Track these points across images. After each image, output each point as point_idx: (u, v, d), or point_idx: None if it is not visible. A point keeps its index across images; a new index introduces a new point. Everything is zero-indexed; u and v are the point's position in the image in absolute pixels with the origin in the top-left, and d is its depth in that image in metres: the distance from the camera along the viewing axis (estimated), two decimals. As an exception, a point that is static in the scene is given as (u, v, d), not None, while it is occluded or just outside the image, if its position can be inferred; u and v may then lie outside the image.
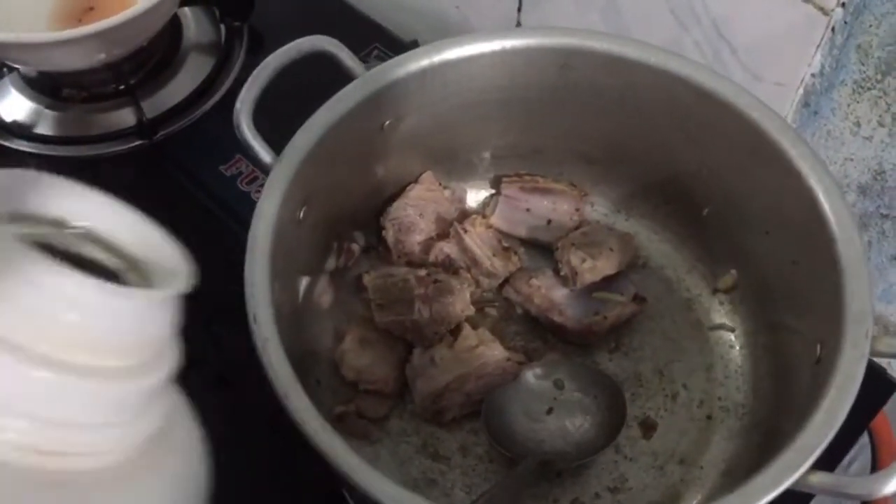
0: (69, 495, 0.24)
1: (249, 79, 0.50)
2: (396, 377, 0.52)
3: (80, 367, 0.25)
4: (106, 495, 0.25)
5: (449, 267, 0.56)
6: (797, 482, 0.40)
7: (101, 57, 0.66)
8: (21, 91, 0.71)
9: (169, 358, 0.29)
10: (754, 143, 0.51)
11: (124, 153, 0.68)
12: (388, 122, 0.54)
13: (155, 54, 0.72)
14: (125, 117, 0.69)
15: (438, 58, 0.52)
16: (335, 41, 0.52)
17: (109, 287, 0.25)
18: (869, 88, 0.57)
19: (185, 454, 0.29)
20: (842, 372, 0.42)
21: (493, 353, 0.51)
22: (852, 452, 0.60)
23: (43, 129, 0.69)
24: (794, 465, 0.40)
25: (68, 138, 0.69)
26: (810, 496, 0.54)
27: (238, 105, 0.49)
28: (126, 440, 0.26)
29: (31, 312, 0.24)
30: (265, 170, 0.49)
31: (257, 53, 0.74)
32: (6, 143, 0.68)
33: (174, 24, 0.74)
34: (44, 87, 0.71)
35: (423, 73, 0.52)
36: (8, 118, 0.69)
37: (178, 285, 0.27)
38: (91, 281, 0.25)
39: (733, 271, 0.57)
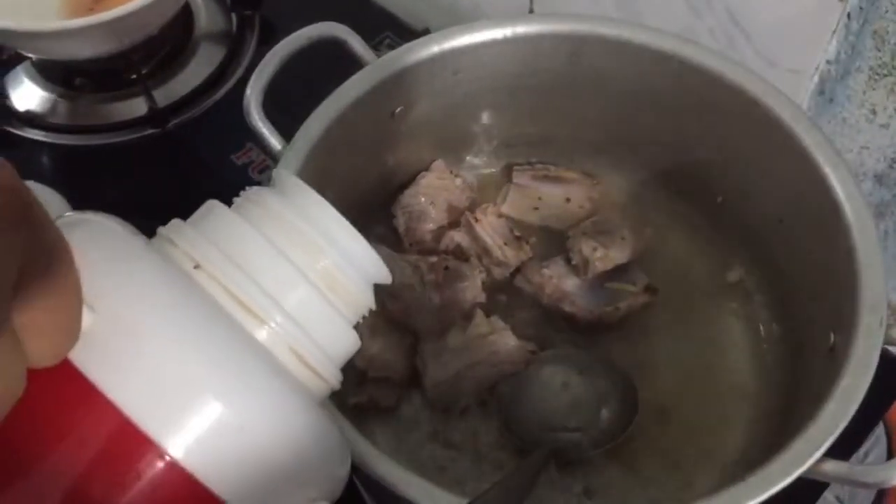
0: (304, 404, 0.26)
1: (259, 66, 0.50)
2: (407, 365, 0.52)
3: (332, 300, 0.27)
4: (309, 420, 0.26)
5: (460, 255, 0.56)
6: (810, 470, 0.39)
7: (112, 46, 0.66)
8: (34, 80, 0.71)
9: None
10: (768, 130, 0.50)
11: (136, 142, 0.68)
12: (398, 110, 0.53)
13: (166, 43, 0.72)
14: (137, 106, 0.69)
15: (448, 45, 0.52)
16: (346, 28, 0.52)
17: (365, 243, 0.28)
18: (885, 75, 0.56)
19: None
20: (855, 360, 0.42)
21: (505, 340, 0.51)
22: (868, 443, 0.59)
23: (56, 118, 0.69)
24: (807, 453, 0.39)
25: (81, 127, 0.69)
26: (825, 485, 0.54)
27: (248, 92, 0.49)
28: (325, 391, 0.28)
29: (308, 242, 0.27)
30: (275, 157, 0.49)
31: (269, 42, 0.73)
32: (19, 132, 0.69)
33: (185, 13, 0.74)
34: (56, 76, 0.71)
35: (433, 60, 0.52)
36: (21, 107, 0.70)
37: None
38: (355, 231, 0.28)
39: (745, 262, 0.56)
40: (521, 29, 0.53)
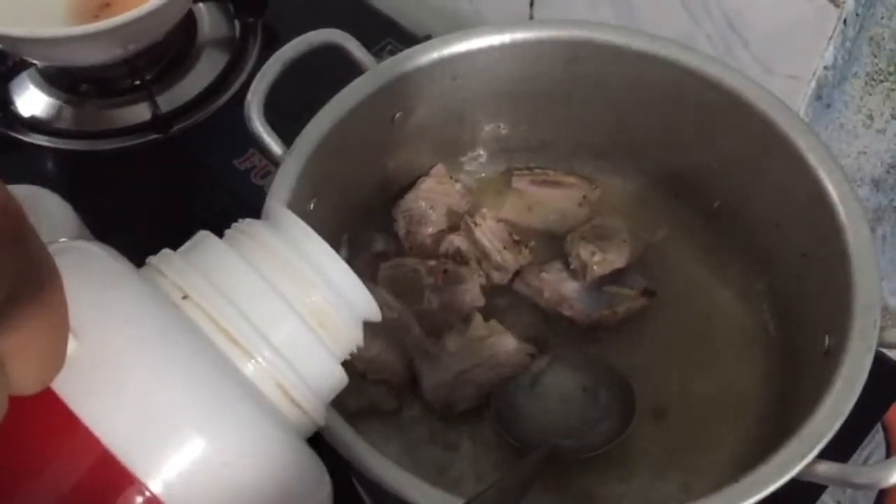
0: (288, 440, 0.26)
1: (260, 72, 0.50)
2: (406, 366, 0.52)
3: (321, 336, 0.27)
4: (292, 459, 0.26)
5: (459, 259, 0.56)
6: (803, 471, 0.40)
7: (117, 52, 0.67)
8: (39, 86, 0.72)
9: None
10: (764, 135, 0.51)
11: (140, 147, 0.69)
12: (397, 115, 0.54)
13: (170, 50, 0.73)
14: (141, 112, 0.70)
15: (447, 51, 0.53)
16: (345, 34, 0.52)
17: (356, 279, 0.28)
18: (882, 81, 0.57)
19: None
20: (849, 363, 0.42)
21: (504, 343, 0.52)
22: (869, 448, 0.60)
23: (60, 123, 0.70)
24: (800, 454, 0.40)
25: (85, 133, 0.70)
26: (822, 487, 0.54)
27: (249, 97, 0.50)
28: (310, 428, 0.28)
29: (299, 276, 0.27)
30: (276, 162, 0.49)
31: (271, 49, 0.73)
32: (25, 138, 0.69)
33: (189, 20, 0.75)
34: (61, 82, 0.72)
35: (433, 66, 0.53)
36: (26, 113, 0.70)
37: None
38: (346, 267, 0.28)
39: (742, 266, 0.57)
40: (519, 35, 0.53)
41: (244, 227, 0.28)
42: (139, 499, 0.23)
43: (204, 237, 0.28)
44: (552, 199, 0.59)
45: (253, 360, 0.26)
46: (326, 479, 0.28)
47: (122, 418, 0.23)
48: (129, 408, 0.23)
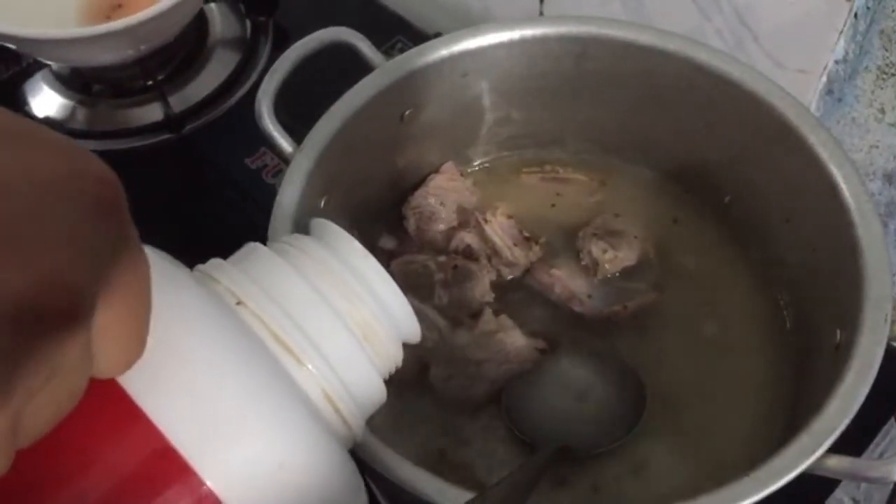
0: (336, 447, 0.26)
1: (271, 69, 0.51)
2: (414, 362, 0.52)
3: (367, 350, 0.28)
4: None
5: (470, 256, 0.56)
6: (815, 465, 0.40)
7: (129, 53, 0.67)
8: (53, 87, 0.72)
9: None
10: (774, 129, 0.51)
11: (152, 146, 0.69)
12: (407, 112, 0.54)
13: (182, 50, 0.74)
14: (153, 112, 0.70)
15: (457, 48, 0.53)
16: (355, 32, 0.53)
17: (403, 298, 0.29)
18: (893, 74, 0.56)
19: None
20: (860, 356, 0.42)
21: (513, 339, 0.52)
22: (884, 444, 0.59)
23: (74, 124, 0.71)
24: (811, 448, 0.40)
25: (98, 132, 0.70)
26: (835, 482, 0.54)
27: (259, 95, 0.50)
28: (350, 441, 0.28)
29: (348, 290, 0.27)
30: (286, 160, 0.49)
31: (282, 48, 0.74)
32: (39, 139, 0.70)
33: (200, 20, 0.75)
34: (74, 83, 0.72)
35: (442, 63, 0.53)
36: (40, 114, 0.71)
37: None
38: (395, 286, 0.29)
39: (753, 260, 0.57)
40: (528, 31, 0.53)
41: (292, 241, 0.28)
42: (196, 493, 0.23)
43: (254, 248, 0.28)
44: (563, 196, 0.59)
45: (304, 368, 0.26)
46: (364, 493, 0.28)
47: (184, 413, 0.23)
48: (191, 403, 0.23)
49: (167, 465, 0.23)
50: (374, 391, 0.28)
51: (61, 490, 0.22)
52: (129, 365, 0.22)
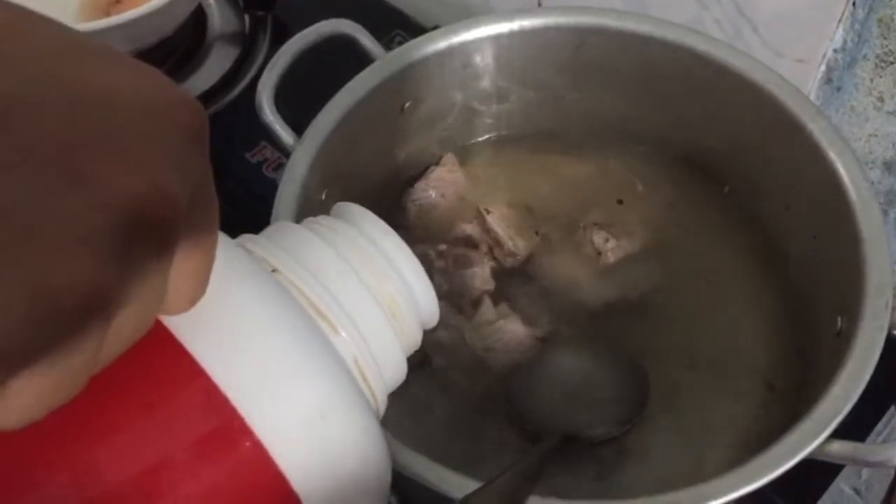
0: (369, 411, 0.26)
1: (271, 61, 0.51)
2: (416, 350, 0.52)
3: (393, 325, 0.28)
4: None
5: (470, 245, 0.56)
6: (816, 451, 0.40)
7: (128, 48, 0.67)
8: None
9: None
10: (773, 118, 0.51)
11: (153, 142, 0.69)
12: (407, 105, 0.54)
13: (180, 45, 0.73)
14: (153, 107, 0.70)
15: (456, 39, 0.53)
16: (355, 24, 0.53)
17: (427, 280, 0.29)
18: (892, 63, 0.57)
19: None
20: (861, 343, 0.42)
21: (513, 328, 0.52)
22: (885, 432, 0.59)
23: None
24: (813, 434, 0.40)
25: (98, 128, 0.70)
26: (838, 468, 0.54)
27: (259, 87, 0.50)
28: (376, 413, 0.29)
29: (376, 266, 0.28)
30: (287, 152, 0.49)
31: (281, 43, 0.74)
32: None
33: (199, 15, 0.75)
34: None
35: (441, 55, 0.53)
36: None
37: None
38: (419, 267, 0.29)
39: (753, 249, 0.57)
40: (527, 22, 0.54)
41: (320, 220, 0.29)
42: (241, 437, 0.23)
43: (283, 224, 0.29)
44: (563, 186, 0.60)
45: (339, 336, 0.26)
46: (390, 462, 0.28)
47: (231, 358, 0.23)
48: (237, 349, 0.23)
49: (214, 409, 0.23)
50: (397, 367, 0.29)
51: (109, 431, 0.22)
52: (193, 303, 0.22)
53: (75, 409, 0.19)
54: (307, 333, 0.25)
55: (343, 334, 0.26)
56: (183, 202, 0.19)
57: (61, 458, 0.21)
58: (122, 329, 0.19)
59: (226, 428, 0.23)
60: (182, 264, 0.20)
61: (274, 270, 0.26)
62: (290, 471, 0.23)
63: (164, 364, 0.23)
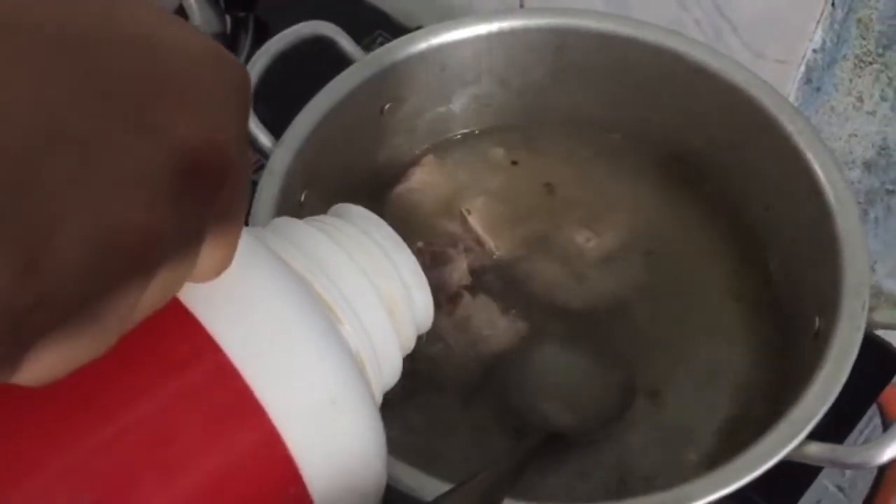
0: (373, 401, 0.26)
1: (249, 63, 0.50)
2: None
3: (394, 323, 0.28)
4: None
5: (449, 243, 0.56)
6: (794, 453, 0.40)
7: (108, 49, 0.67)
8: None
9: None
10: (753, 119, 0.51)
11: (133, 143, 0.69)
12: (387, 106, 0.54)
13: (162, 46, 0.73)
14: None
15: (436, 40, 0.53)
16: (334, 26, 0.53)
17: (424, 280, 0.30)
18: (871, 63, 0.57)
19: None
20: (839, 344, 0.42)
21: (492, 319, 0.52)
22: (867, 432, 0.60)
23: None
24: (790, 435, 0.40)
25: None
26: (818, 469, 0.55)
27: (238, 90, 0.50)
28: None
29: (377, 263, 0.28)
30: (266, 154, 0.49)
31: (263, 43, 0.74)
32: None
33: (179, 15, 0.75)
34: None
35: (421, 56, 0.53)
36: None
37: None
38: (418, 267, 0.30)
39: (734, 249, 0.57)
40: (507, 24, 0.54)
41: (322, 219, 0.29)
42: (250, 411, 0.23)
43: (287, 220, 0.29)
44: (545, 185, 0.59)
45: (344, 327, 0.26)
46: (385, 463, 0.28)
47: (247, 338, 0.23)
48: (255, 329, 0.24)
49: (224, 382, 0.23)
50: (394, 365, 0.29)
51: (126, 400, 0.22)
52: (219, 272, 0.22)
53: (96, 373, 0.20)
54: (320, 320, 0.25)
55: (348, 326, 0.26)
56: (233, 156, 0.20)
57: (75, 427, 0.21)
58: (157, 287, 0.20)
59: (238, 404, 0.23)
60: (217, 227, 0.21)
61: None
62: (297, 452, 0.24)
63: (181, 338, 0.23)
